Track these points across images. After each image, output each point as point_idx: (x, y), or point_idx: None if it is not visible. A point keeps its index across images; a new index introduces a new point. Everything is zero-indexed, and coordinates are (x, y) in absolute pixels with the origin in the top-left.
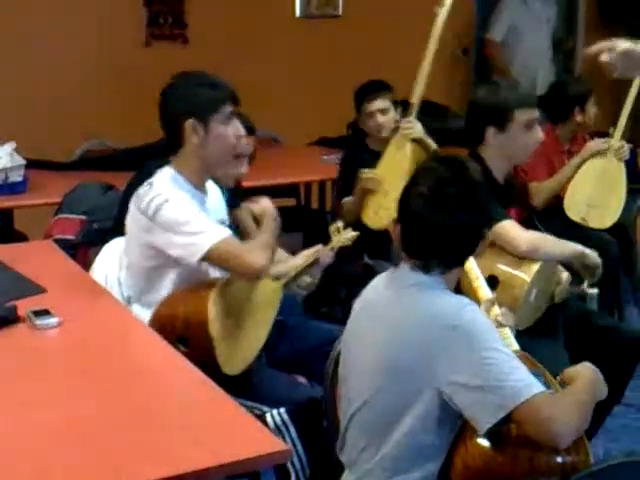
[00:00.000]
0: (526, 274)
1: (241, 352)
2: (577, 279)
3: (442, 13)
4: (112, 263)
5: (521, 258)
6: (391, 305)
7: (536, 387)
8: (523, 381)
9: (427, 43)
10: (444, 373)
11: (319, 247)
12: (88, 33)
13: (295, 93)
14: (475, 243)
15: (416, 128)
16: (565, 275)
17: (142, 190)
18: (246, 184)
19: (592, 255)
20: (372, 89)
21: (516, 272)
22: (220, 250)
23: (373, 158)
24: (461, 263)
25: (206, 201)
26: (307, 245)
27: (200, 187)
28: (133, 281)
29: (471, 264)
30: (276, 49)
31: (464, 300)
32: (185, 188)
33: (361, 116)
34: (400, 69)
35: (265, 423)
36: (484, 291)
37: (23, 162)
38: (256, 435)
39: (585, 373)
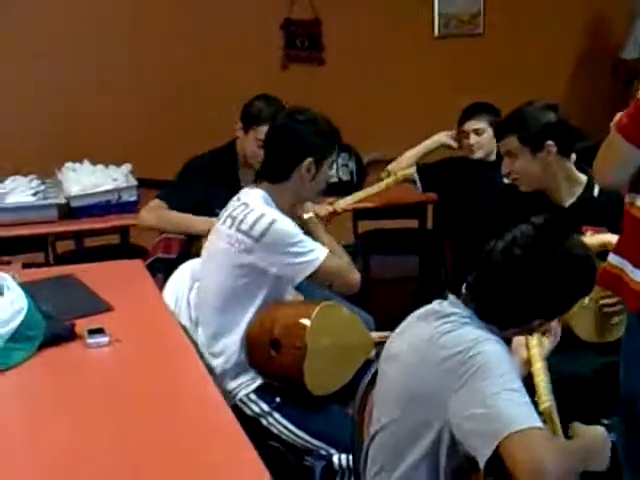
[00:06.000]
0: None
1: (327, 375)
2: None
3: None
4: (183, 284)
5: None
6: (421, 334)
7: (535, 420)
8: (523, 413)
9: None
10: (454, 403)
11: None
12: (225, 57)
13: (428, 115)
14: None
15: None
16: None
17: (237, 211)
18: (372, 204)
19: None
20: (471, 108)
21: None
22: (326, 268)
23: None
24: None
25: None
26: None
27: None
28: (209, 302)
29: None
30: (413, 69)
31: (486, 334)
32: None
33: (459, 134)
34: (544, 88)
35: (331, 464)
36: None
37: (135, 183)
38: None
39: (594, 435)
